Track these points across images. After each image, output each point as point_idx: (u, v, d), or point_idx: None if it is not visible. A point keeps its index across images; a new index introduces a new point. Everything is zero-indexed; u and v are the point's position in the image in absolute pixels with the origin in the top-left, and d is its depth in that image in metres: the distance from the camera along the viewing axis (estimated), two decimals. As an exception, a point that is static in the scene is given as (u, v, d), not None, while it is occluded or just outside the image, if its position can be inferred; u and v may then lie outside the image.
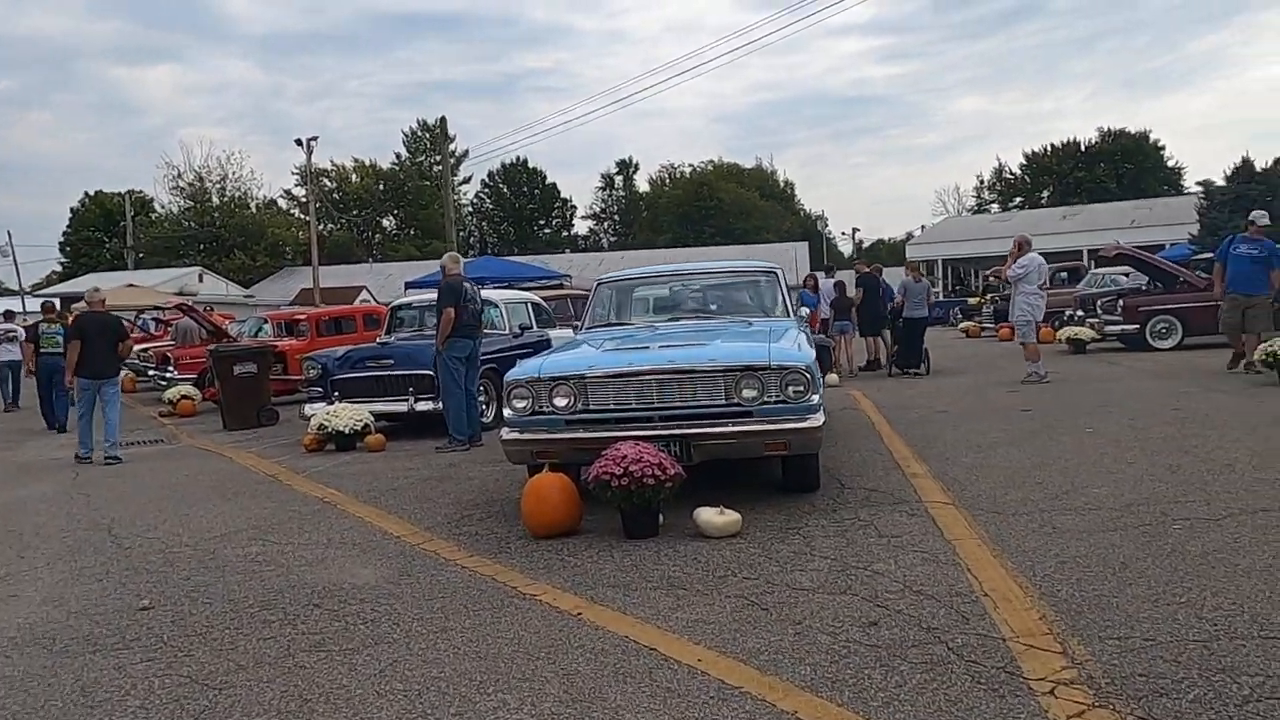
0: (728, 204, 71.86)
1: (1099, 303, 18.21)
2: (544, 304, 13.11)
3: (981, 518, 4.96)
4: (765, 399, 5.32)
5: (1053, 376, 12.14)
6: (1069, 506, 5.07)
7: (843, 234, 74.63)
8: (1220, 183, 28.82)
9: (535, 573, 4.49)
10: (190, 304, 17.29)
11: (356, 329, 15.70)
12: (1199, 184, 32.78)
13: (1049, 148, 67.78)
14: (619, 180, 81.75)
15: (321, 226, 41.02)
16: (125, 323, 11.08)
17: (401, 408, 9.76)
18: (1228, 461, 5.92)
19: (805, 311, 7.12)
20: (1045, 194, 66.58)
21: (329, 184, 61.17)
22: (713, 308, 7.17)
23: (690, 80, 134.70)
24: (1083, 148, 65.62)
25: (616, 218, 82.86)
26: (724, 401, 5.37)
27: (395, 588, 4.41)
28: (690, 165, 79.04)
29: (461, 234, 70.71)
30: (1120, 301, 16.64)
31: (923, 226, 64.38)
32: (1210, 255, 18.95)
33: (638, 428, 5.35)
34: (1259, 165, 28.48)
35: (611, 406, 5.45)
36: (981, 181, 74.73)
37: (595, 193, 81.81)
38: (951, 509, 5.20)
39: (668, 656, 3.29)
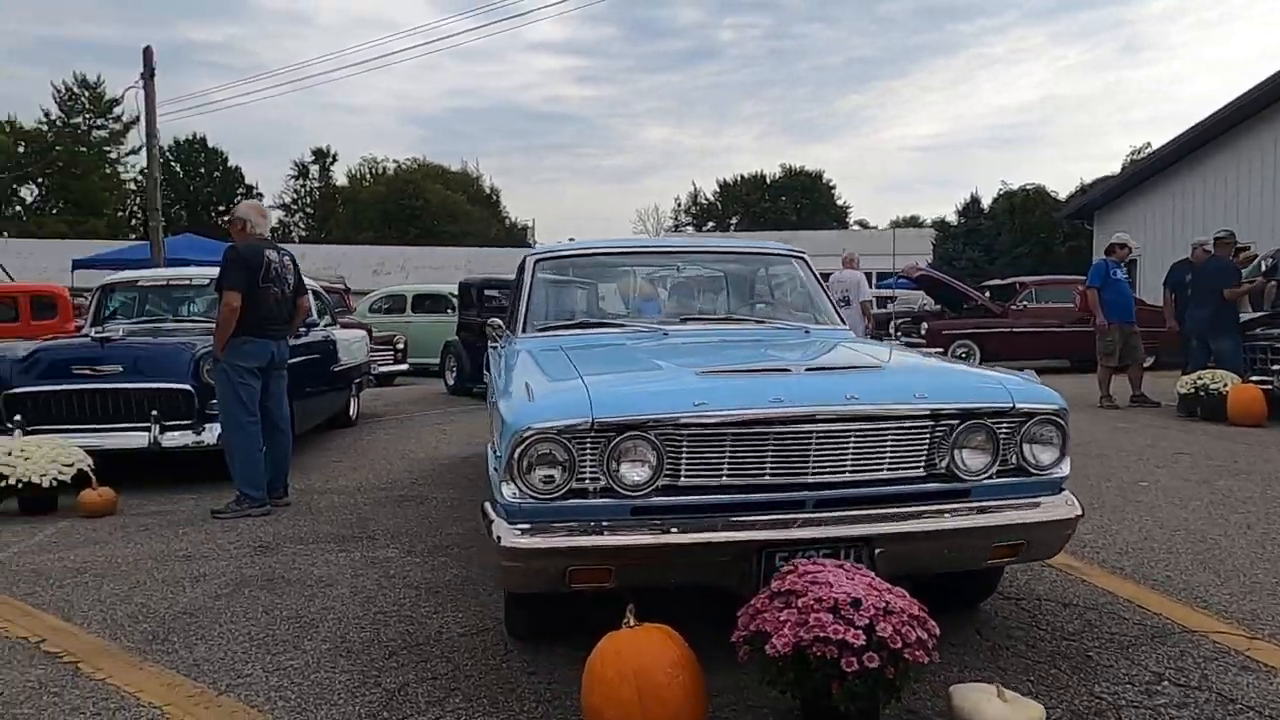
0: (434, 205, 68.20)
1: (892, 325, 17.81)
2: (323, 291, 9.90)
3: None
4: (992, 467, 3.01)
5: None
6: None
7: (558, 243, 73.54)
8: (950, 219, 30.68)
9: None
10: None
11: (19, 316, 11.17)
12: (933, 222, 34.34)
13: (739, 178, 72.84)
14: (315, 170, 74.81)
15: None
16: None
17: (138, 441, 6.19)
18: None
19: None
20: (734, 219, 71.05)
21: (-50, 139, 49.34)
22: (728, 307, 4.70)
23: (381, 73, 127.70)
24: (768, 180, 70.69)
25: (310, 210, 75.79)
26: (923, 473, 2.99)
27: None
28: (394, 161, 74.17)
29: (121, 214, 60.70)
30: (924, 325, 16.19)
31: (631, 242, 65.53)
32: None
33: (774, 520, 2.84)
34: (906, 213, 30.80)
35: (724, 480, 2.86)
36: (679, 204, 78.24)
37: (286, 181, 74.33)
38: None
39: None
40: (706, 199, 76.87)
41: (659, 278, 4.84)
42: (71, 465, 5.58)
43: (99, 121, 56.76)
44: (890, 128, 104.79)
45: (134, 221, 61.95)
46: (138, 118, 46.27)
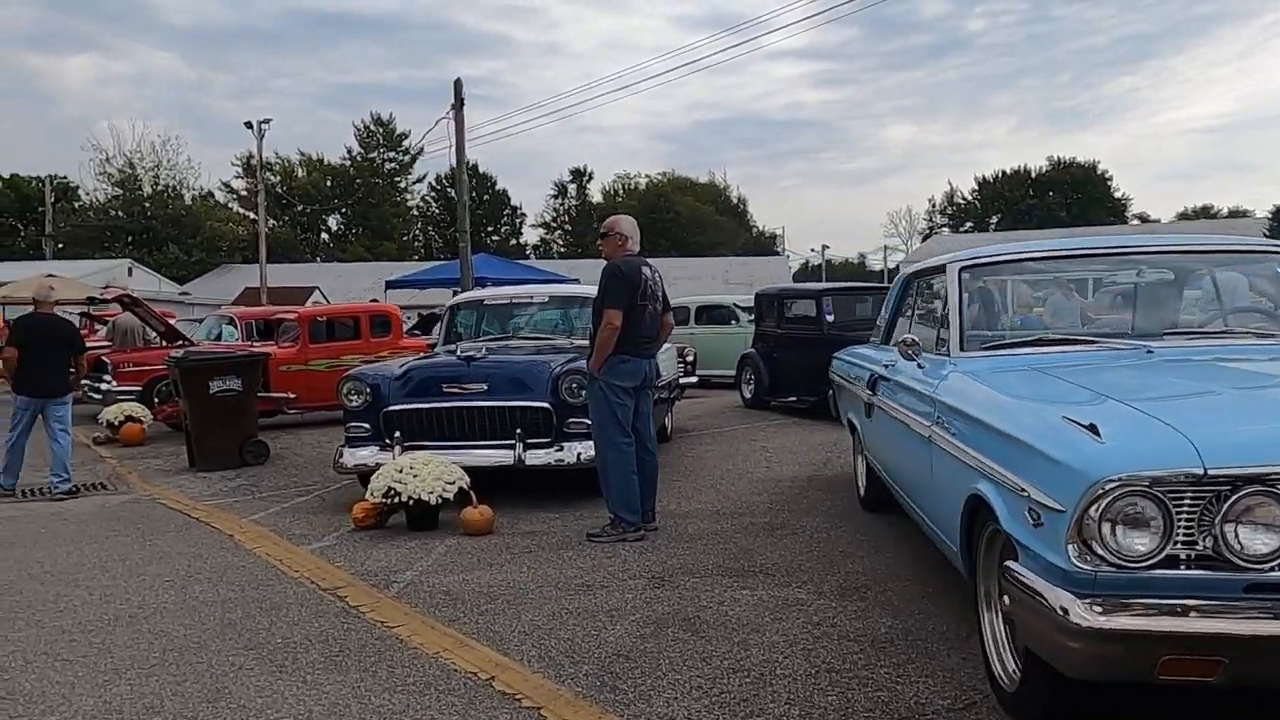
0: (684, 217, 69.29)
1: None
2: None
3: None
4: None
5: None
6: None
7: (812, 250, 72.52)
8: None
9: None
10: (133, 295, 13.41)
11: (360, 334, 12.07)
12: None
13: (1000, 174, 68.28)
14: (572, 189, 78.37)
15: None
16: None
17: (502, 458, 6.25)
18: None
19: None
20: (995, 219, 66.68)
21: (272, 178, 56.14)
22: (1216, 316, 3.93)
23: (633, 96, 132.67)
24: (1032, 175, 66.09)
25: (568, 227, 79.50)
26: None
27: None
28: (646, 176, 76.19)
29: (405, 237, 66.31)
30: None
31: (885, 247, 63.73)
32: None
33: None
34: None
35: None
36: (933, 204, 74.58)
37: (547, 201, 78.37)
38: None
39: None
40: (964, 198, 72.96)
41: (1115, 284, 4.14)
42: (454, 483, 5.68)
43: (390, 155, 62.52)
44: (1167, 110, 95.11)
45: (416, 244, 67.76)
46: (422, 149, 50.19)
